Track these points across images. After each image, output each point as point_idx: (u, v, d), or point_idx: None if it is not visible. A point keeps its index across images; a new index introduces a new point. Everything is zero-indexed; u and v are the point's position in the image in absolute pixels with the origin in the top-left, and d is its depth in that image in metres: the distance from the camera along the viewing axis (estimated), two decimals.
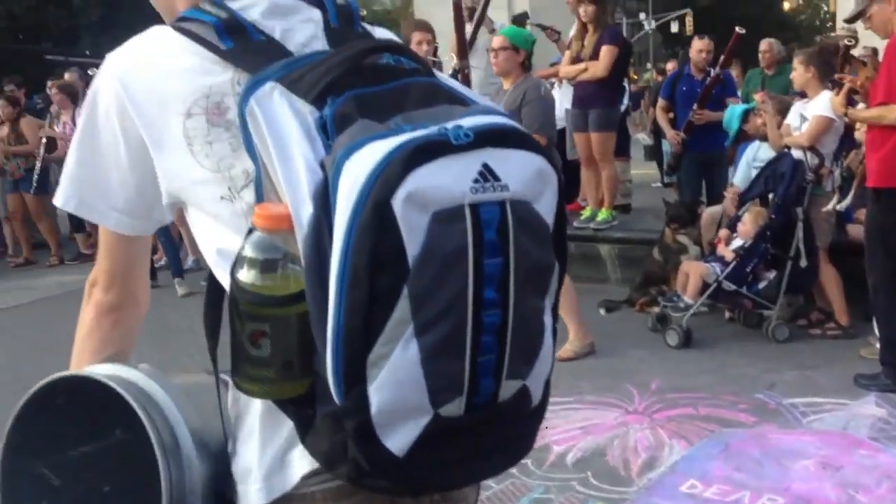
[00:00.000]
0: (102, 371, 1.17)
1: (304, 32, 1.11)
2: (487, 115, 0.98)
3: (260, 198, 1.00)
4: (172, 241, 7.15)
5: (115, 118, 1.10)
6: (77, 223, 8.75)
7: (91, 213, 1.17)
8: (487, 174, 0.91)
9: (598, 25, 6.21)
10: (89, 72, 10.43)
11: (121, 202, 1.14)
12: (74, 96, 8.52)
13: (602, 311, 5.65)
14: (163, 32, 1.12)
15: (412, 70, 1.06)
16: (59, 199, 1.16)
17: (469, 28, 6.61)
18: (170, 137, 1.08)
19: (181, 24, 1.09)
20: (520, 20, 7.39)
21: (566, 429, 3.82)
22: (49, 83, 9.14)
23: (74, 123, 8.29)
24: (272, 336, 0.97)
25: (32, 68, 20.31)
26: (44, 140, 8.44)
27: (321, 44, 1.10)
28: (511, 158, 0.94)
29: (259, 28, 1.08)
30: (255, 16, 1.09)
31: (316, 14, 1.13)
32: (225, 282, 1.05)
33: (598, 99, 6.23)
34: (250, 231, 0.97)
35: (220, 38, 1.06)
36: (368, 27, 1.19)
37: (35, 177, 8.44)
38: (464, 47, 5.21)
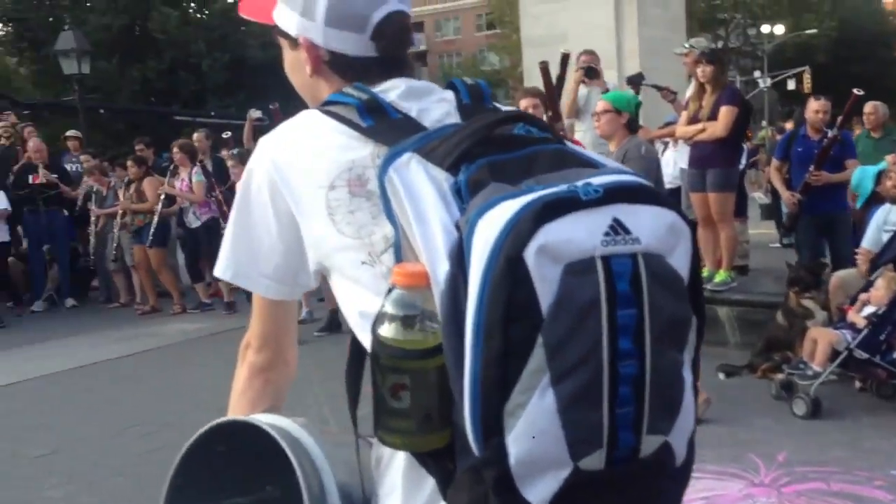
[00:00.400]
0: (264, 419, 1.24)
1: (438, 111, 1.20)
2: (617, 174, 1.01)
3: (399, 260, 1.06)
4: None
5: (267, 194, 1.21)
6: (196, 274, 9.14)
7: (245, 281, 1.27)
8: (618, 228, 0.94)
9: (717, 85, 6.13)
10: (224, 135, 11.00)
11: (270, 269, 1.24)
12: (194, 155, 8.97)
13: (721, 376, 5.45)
14: (310, 116, 1.22)
15: (542, 139, 1.12)
16: (219, 270, 1.28)
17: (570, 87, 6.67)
18: (314, 209, 1.17)
19: (327, 108, 1.20)
20: (635, 81, 7.37)
21: (689, 499, 3.64)
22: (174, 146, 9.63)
23: (191, 180, 8.72)
24: (412, 388, 1.00)
25: (163, 128, 21.64)
26: (162, 196, 8.90)
27: (454, 119, 1.18)
28: (642, 213, 0.96)
29: (397, 108, 1.17)
30: (393, 97, 1.19)
31: (449, 94, 1.23)
32: (366, 343, 1.10)
33: (717, 159, 6.12)
34: (390, 289, 1.02)
35: (362, 117, 1.15)
36: (497, 104, 1.26)
37: (151, 230, 8.88)
38: (556, 108, 5.24)
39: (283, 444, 1.16)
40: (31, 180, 9.54)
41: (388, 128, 1.14)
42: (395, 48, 1.25)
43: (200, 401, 5.53)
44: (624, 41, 12.29)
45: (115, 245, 9.26)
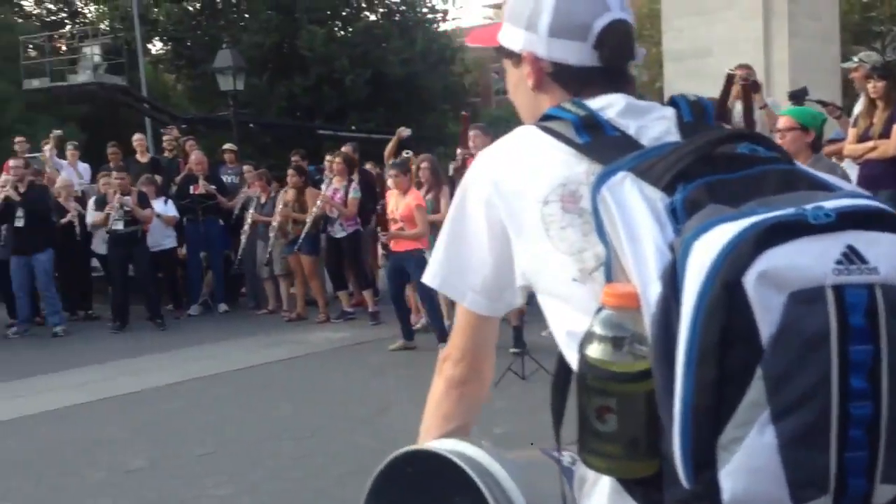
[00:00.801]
0: (448, 447, 1.27)
1: (657, 128, 1.17)
2: (854, 198, 0.95)
3: (609, 279, 1.05)
4: (436, 308, 7.40)
5: (483, 209, 1.23)
6: (339, 283, 9.43)
7: (452, 291, 1.31)
8: (853, 256, 0.87)
9: (889, 101, 5.83)
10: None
11: (478, 283, 1.27)
12: (352, 167, 9.26)
13: None
14: (527, 132, 1.24)
15: (769, 158, 1.07)
16: (427, 277, 1.33)
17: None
18: (529, 224, 1.18)
19: (544, 123, 1.21)
20: (798, 96, 7.07)
21: None
22: (329, 155, 9.95)
23: (346, 193, 9.00)
24: (618, 412, 0.99)
25: (306, 142, 22.48)
26: (317, 206, 9.23)
27: (674, 137, 1.15)
28: (881, 241, 0.89)
29: (614, 125, 1.17)
30: (611, 114, 1.18)
31: (669, 112, 1.21)
32: (573, 362, 1.09)
33: (890, 179, 5.82)
34: (599, 309, 1.01)
35: (578, 134, 1.15)
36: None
37: (301, 237, 9.22)
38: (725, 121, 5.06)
39: (473, 475, 1.18)
40: (191, 190, 10.16)
41: (603, 145, 1.14)
42: (616, 58, 1.25)
43: (347, 410, 5.72)
44: (773, 54, 11.85)
45: (268, 252, 9.62)
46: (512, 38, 1.31)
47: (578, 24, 1.23)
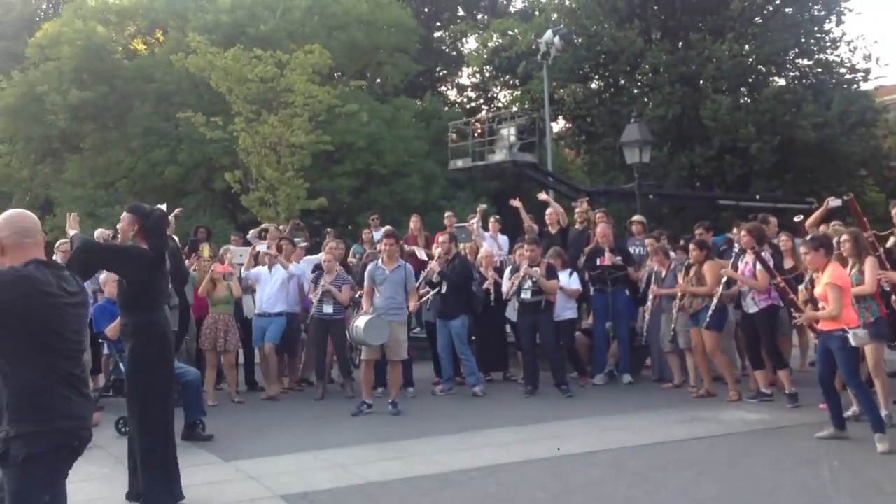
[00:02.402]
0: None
1: None
2: None
3: None
4: (869, 396, 6.61)
5: None
6: (756, 360, 8.85)
7: None
8: None
9: None
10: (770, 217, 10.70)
11: None
12: (762, 238, 8.74)
13: None
14: None
15: None
16: None
17: None
18: None
19: None
20: None
21: None
22: (737, 227, 9.55)
23: (755, 265, 8.48)
24: None
25: (707, 212, 21.94)
26: (724, 280, 8.82)
27: None
28: None
29: None
30: None
31: None
32: None
33: None
34: None
35: None
36: None
37: (709, 313, 8.84)
38: None
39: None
40: (598, 262, 10.39)
41: None
42: None
43: (777, 499, 5.28)
44: None
45: (672, 326, 9.47)
46: None
47: None
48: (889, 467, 5.95)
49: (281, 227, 13.36)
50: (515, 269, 10.00)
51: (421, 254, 11.93)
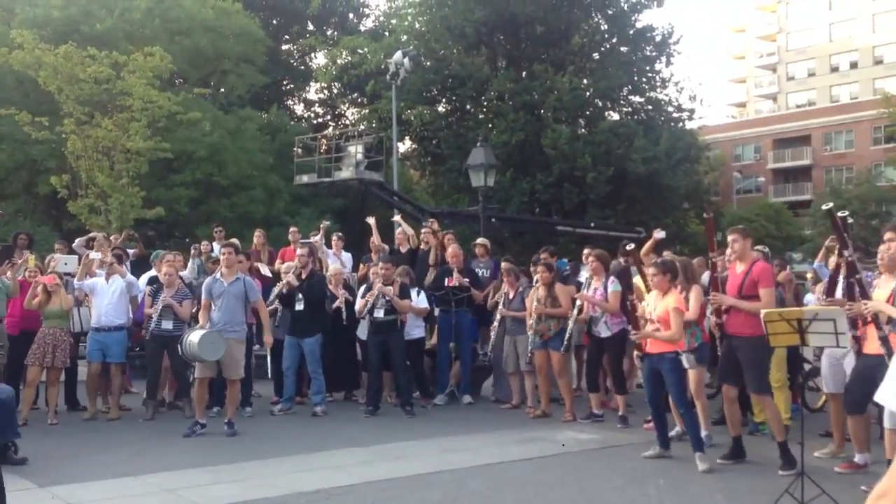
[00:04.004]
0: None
1: None
2: None
3: None
4: (694, 416, 6.97)
5: None
6: (593, 383, 9.18)
7: None
8: None
9: None
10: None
11: None
12: (607, 264, 9.13)
13: None
14: None
15: None
16: (884, 397, 1.36)
17: None
18: None
19: None
20: None
21: None
22: (585, 252, 9.87)
23: (605, 289, 8.83)
24: None
25: (546, 237, 22.72)
26: (577, 304, 9.11)
27: None
28: None
29: None
30: None
31: None
32: None
33: None
34: None
35: None
36: None
37: (566, 336, 9.10)
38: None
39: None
40: (446, 282, 10.47)
41: None
42: None
43: None
44: None
45: (529, 349, 9.52)
46: None
47: None
48: (709, 484, 6.30)
49: (113, 237, 12.62)
50: (369, 288, 9.90)
51: (265, 270, 11.61)
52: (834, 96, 60.10)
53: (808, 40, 62.72)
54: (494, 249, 20.23)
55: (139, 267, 11.73)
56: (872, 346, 6.27)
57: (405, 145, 31.62)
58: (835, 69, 61.23)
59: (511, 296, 9.95)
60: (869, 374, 5.91)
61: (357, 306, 9.96)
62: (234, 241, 10.49)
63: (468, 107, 28.21)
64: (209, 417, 8.67)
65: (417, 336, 10.35)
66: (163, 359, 9.44)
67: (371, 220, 12.29)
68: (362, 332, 10.25)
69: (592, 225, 22.76)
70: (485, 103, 27.77)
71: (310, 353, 9.66)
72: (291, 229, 12.97)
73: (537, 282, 9.46)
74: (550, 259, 10.37)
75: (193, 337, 8.22)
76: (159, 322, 9.18)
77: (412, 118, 28.07)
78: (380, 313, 9.63)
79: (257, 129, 27.30)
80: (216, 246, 11.98)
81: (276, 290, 9.99)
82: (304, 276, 9.80)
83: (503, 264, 10.73)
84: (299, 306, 9.70)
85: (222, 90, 29.03)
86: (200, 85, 25.55)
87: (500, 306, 9.98)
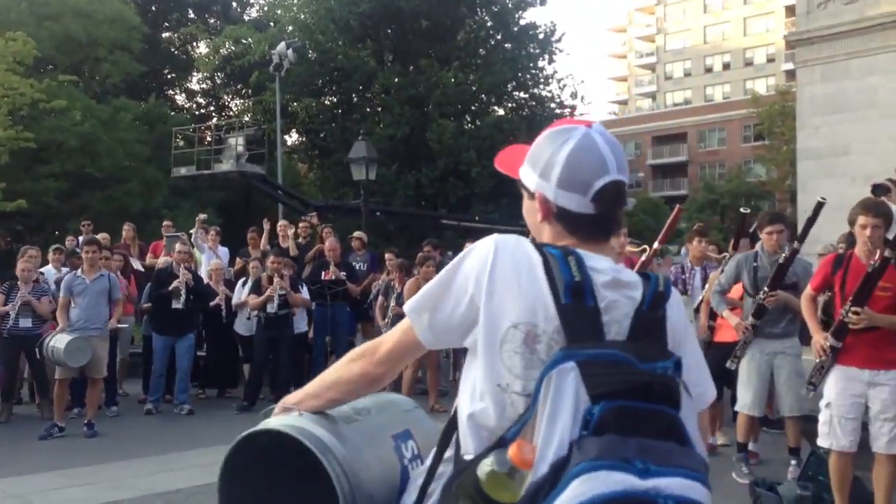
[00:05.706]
0: (289, 423, 1.75)
1: (620, 311, 1.47)
2: (692, 480, 1.31)
3: (521, 429, 1.39)
4: None
5: (473, 278, 1.52)
6: None
7: (415, 318, 1.59)
8: None
9: None
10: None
11: (439, 325, 1.56)
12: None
13: None
14: (539, 257, 1.49)
15: (669, 398, 1.39)
16: (407, 305, 1.60)
17: None
18: (494, 328, 1.47)
19: (549, 264, 1.47)
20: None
21: None
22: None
23: None
24: None
25: (430, 231, 22.84)
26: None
27: (626, 324, 1.46)
28: None
29: (595, 294, 1.45)
30: (599, 282, 1.47)
31: (638, 294, 1.49)
32: (463, 423, 1.50)
33: None
34: (504, 448, 1.35)
35: (564, 294, 1.44)
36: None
37: None
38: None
39: (315, 451, 1.66)
40: (322, 276, 10.35)
41: (576, 314, 1.43)
42: (610, 209, 1.54)
43: None
44: None
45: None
46: (529, 178, 1.60)
47: (582, 181, 1.52)
48: None
49: None
50: (258, 283, 9.64)
51: (137, 265, 11.18)
52: (708, 96, 62.87)
53: (685, 41, 65.39)
54: (379, 243, 20.20)
55: (4, 262, 11.10)
56: (726, 334, 6.56)
57: (292, 138, 31.13)
58: (709, 70, 64.06)
59: (398, 290, 9.85)
60: (720, 362, 6.17)
61: (249, 301, 9.66)
62: (98, 237, 10.06)
63: (354, 100, 27.99)
64: (69, 420, 8.28)
65: (303, 330, 10.19)
66: (19, 359, 8.95)
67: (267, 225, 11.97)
68: (240, 326, 10.02)
69: (477, 219, 23.02)
70: (371, 97, 27.62)
71: (186, 353, 9.38)
72: (165, 222, 12.54)
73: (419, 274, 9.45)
74: (434, 252, 10.36)
75: (58, 343, 7.83)
76: (17, 320, 8.68)
77: (298, 110, 27.62)
78: (273, 308, 9.42)
79: (134, 120, 26.25)
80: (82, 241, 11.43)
81: (173, 287, 9.42)
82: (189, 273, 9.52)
83: (388, 258, 10.52)
84: (177, 304, 9.35)
85: (96, 78, 27.78)
86: (71, 72, 24.36)
87: (392, 302, 9.73)
